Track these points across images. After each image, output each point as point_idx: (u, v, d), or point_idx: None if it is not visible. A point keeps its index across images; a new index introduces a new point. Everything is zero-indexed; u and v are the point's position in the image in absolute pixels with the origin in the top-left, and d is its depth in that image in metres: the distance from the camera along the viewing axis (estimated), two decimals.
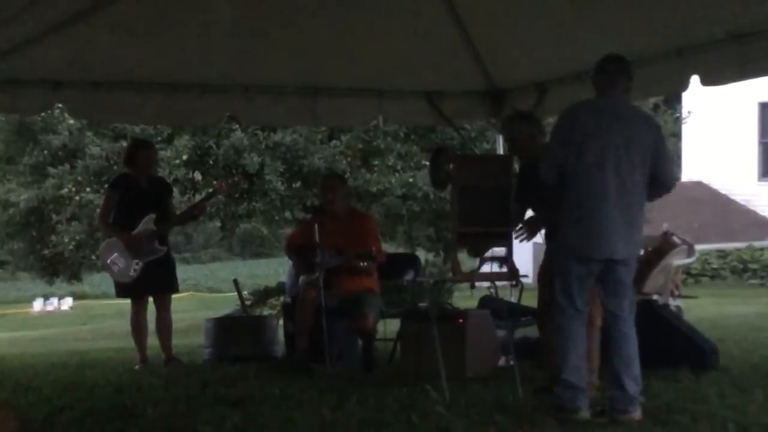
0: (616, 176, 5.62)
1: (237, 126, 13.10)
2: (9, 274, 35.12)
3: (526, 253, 6.98)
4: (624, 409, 5.55)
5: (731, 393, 6.22)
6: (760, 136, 25.79)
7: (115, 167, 13.36)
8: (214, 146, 13.88)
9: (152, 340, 9.13)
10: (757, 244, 23.39)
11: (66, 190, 14.45)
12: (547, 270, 6.62)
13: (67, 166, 14.41)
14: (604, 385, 5.83)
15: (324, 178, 9.52)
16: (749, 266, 22.75)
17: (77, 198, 14.38)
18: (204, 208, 9.70)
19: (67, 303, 29.68)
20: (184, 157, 13.81)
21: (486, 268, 6.76)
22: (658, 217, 13.95)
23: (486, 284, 7.47)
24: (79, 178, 14.31)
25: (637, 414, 5.52)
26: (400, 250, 14.65)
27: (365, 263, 8.01)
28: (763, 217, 24.94)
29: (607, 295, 5.76)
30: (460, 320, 7.40)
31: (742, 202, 25.60)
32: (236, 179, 11.75)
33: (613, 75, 5.84)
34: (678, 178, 6.21)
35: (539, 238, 6.98)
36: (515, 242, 6.60)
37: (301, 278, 8.34)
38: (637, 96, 10.34)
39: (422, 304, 8.12)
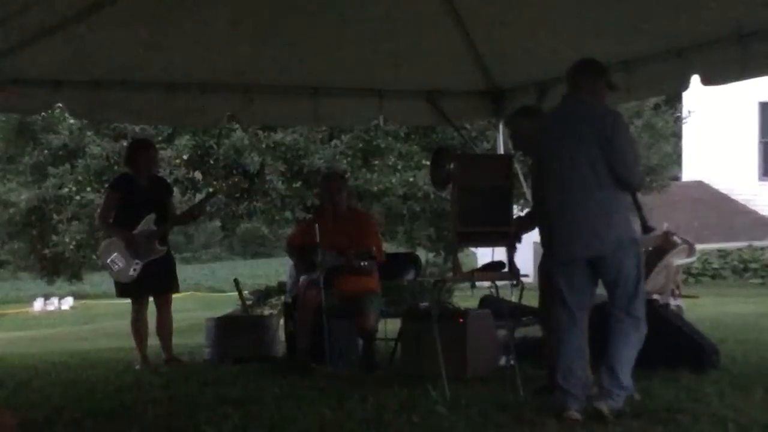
0: (560, 177, 5.70)
1: (237, 126, 13.09)
2: (9, 274, 35.10)
3: (526, 253, 6.97)
4: (596, 396, 5.54)
5: (732, 393, 6.22)
6: (760, 136, 25.80)
7: (116, 167, 13.35)
8: (214, 146, 13.88)
9: (153, 340, 9.13)
10: (758, 243, 23.39)
11: (66, 189, 14.44)
12: (544, 271, 6.64)
13: (67, 166, 14.40)
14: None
15: (325, 177, 9.52)
16: (750, 266, 22.74)
17: (78, 198, 14.37)
18: (204, 209, 9.69)
19: (68, 303, 29.64)
20: (185, 157, 13.80)
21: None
22: (659, 217, 13.92)
23: (487, 284, 7.47)
24: (80, 178, 14.31)
25: (599, 404, 5.48)
26: (401, 249, 14.64)
27: (365, 263, 8.01)
28: (764, 217, 24.94)
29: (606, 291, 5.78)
30: (461, 320, 7.41)
31: (743, 202, 25.61)
32: (236, 179, 11.74)
33: (573, 77, 5.94)
34: (635, 178, 6.09)
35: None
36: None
37: (302, 278, 8.34)
38: (637, 96, 10.44)
39: (423, 304, 8.13)
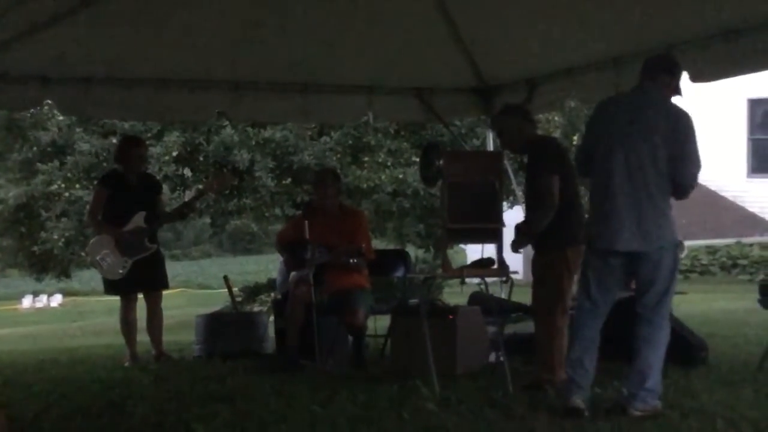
0: (624, 170, 5.61)
1: (227, 122, 13.09)
2: None
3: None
4: (625, 404, 5.58)
5: (720, 388, 6.25)
6: (749, 133, 25.84)
7: (105, 164, 13.34)
8: (203, 143, 13.88)
9: (142, 337, 9.12)
10: (746, 240, 23.44)
11: (55, 186, 14.42)
12: (537, 269, 6.65)
13: (56, 163, 14.39)
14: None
15: (318, 174, 9.50)
16: (738, 262, 22.79)
17: (67, 194, 14.36)
18: (194, 207, 9.68)
19: (57, 300, 29.61)
20: (174, 154, 13.81)
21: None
22: None
23: (476, 280, 7.47)
24: (69, 175, 14.29)
25: (631, 411, 5.51)
26: (390, 246, 14.67)
27: (355, 260, 8.01)
28: (752, 214, 25.00)
29: (636, 289, 5.78)
30: (451, 316, 7.41)
31: (732, 199, 25.66)
32: (226, 176, 11.72)
33: (652, 70, 5.84)
34: (696, 179, 6.08)
35: None
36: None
37: (292, 275, 8.34)
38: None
39: (413, 301, 8.12)
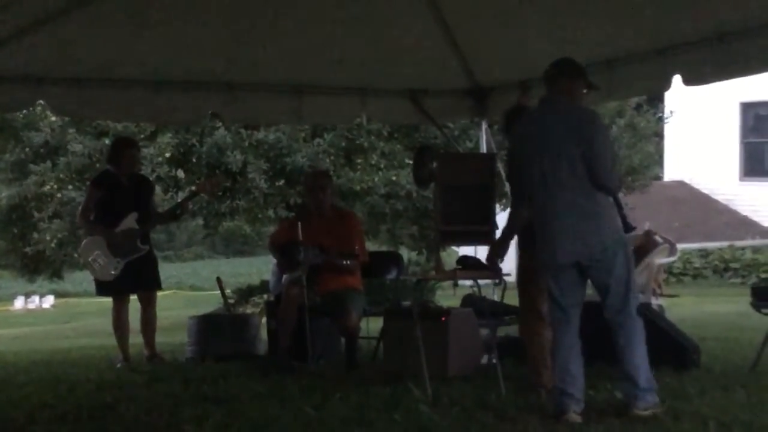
0: (543, 183, 5.67)
1: (220, 124, 13.07)
2: None
3: (509, 252, 6.97)
4: (626, 405, 5.61)
5: (713, 391, 6.26)
6: (741, 136, 25.91)
7: (98, 165, 13.30)
8: (197, 144, 13.85)
9: (134, 339, 9.11)
10: (739, 243, 23.49)
11: (48, 187, 14.37)
12: (523, 275, 6.66)
13: (49, 164, 14.34)
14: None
15: (310, 175, 9.50)
16: (731, 265, 22.84)
17: (59, 195, 14.31)
18: (187, 208, 9.68)
19: (49, 301, 29.51)
20: (167, 155, 13.77)
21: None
22: (641, 217, 13.98)
23: (469, 283, 7.48)
24: (61, 176, 14.24)
25: (634, 411, 5.53)
26: (384, 248, 14.66)
27: (348, 262, 8.01)
28: (745, 217, 25.06)
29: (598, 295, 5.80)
30: (443, 318, 7.41)
31: (724, 202, 25.73)
32: (219, 178, 11.71)
33: (551, 78, 5.91)
34: (610, 178, 6.08)
35: None
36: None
37: (285, 276, 8.33)
38: (619, 95, 10.49)
39: (405, 303, 8.13)
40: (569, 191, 5.62)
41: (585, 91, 5.98)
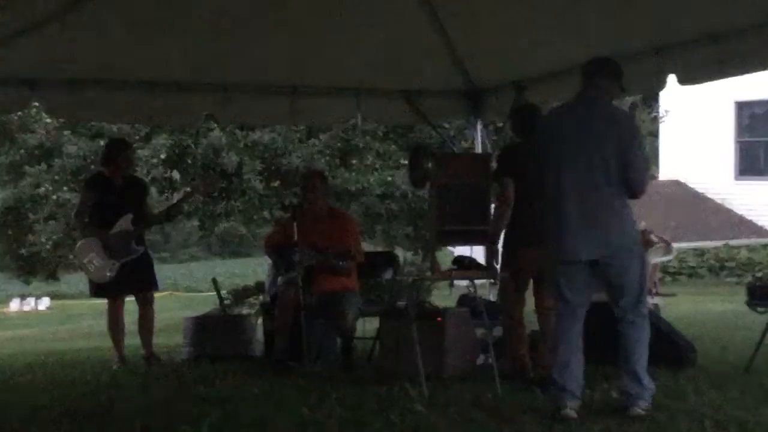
0: (574, 179, 5.66)
1: (215, 125, 13.07)
2: None
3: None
4: (624, 405, 5.62)
5: (708, 390, 6.26)
6: (736, 135, 25.92)
7: (93, 166, 13.29)
8: (192, 145, 13.85)
9: (130, 340, 9.10)
10: (734, 242, 23.51)
11: (43, 189, 14.37)
12: (507, 268, 6.76)
13: (44, 165, 14.33)
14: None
15: (305, 176, 9.50)
16: (726, 264, 22.85)
17: (54, 197, 14.30)
18: (181, 208, 9.66)
19: (44, 303, 29.48)
20: (162, 156, 13.77)
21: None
22: (636, 216, 14.00)
23: (465, 283, 7.49)
24: (56, 177, 14.24)
25: (634, 410, 5.54)
26: (379, 248, 14.65)
27: (343, 262, 8.01)
28: (740, 216, 25.08)
29: (607, 294, 5.81)
30: (439, 319, 7.41)
31: (719, 201, 25.74)
32: (213, 178, 11.70)
33: (592, 75, 5.87)
34: (644, 183, 6.14)
35: None
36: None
37: (280, 277, 8.33)
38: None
39: (401, 303, 8.12)
40: (600, 190, 5.63)
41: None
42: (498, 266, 6.82)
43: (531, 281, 7.10)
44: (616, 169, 5.61)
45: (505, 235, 7.05)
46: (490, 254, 6.71)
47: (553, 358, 5.81)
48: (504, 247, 7.04)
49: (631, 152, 5.65)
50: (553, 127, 5.98)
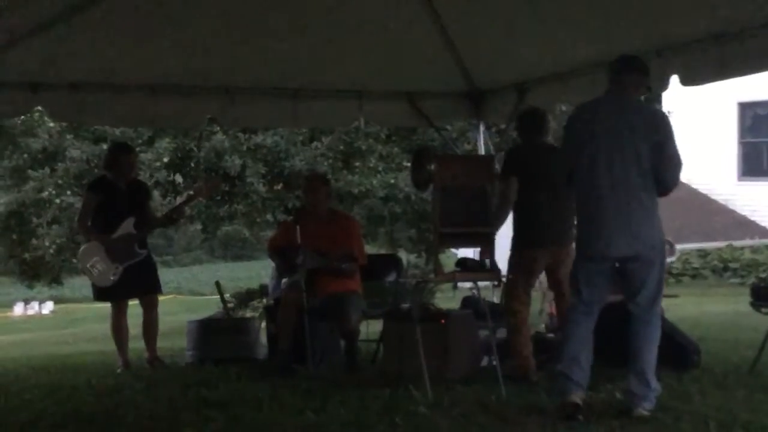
0: (608, 175, 5.64)
1: (218, 128, 13.08)
2: None
3: (507, 254, 7.01)
4: (628, 406, 5.62)
5: (713, 391, 6.26)
6: (739, 136, 25.88)
7: (95, 170, 13.31)
8: (194, 149, 13.86)
9: (134, 344, 9.10)
10: (737, 243, 23.46)
11: (46, 193, 14.39)
12: (515, 268, 6.84)
13: (47, 169, 14.35)
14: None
15: (307, 179, 9.50)
16: (729, 265, 22.80)
17: (58, 201, 14.32)
18: (183, 212, 9.66)
19: (48, 307, 29.53)
20: (165, 160, 13.80)
21: None
22: None
23: (468, 285, 7.48)
24: (60, 181, 14.26)
25: (639, 411, 5.54)
26: (382, 251, 14.67)
27: (346, 265, 8.01)
28: (743, 217, 25.03)
29: (624, 290, 5.81)
30: (443, 321, 7.41)
31: (722, 202, 25.70)
32: (215, 181, 11.71)
33: (619, 73, 5.86)
34: (677, 181, 6.16)
35: None
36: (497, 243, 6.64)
37: (284, 280, 8.32)
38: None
39: (405, 305, 8.12)
40: (633, 187, 5.63)
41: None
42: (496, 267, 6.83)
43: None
44: (649, 166, 5.62)
45: (514, 235, 7.06)
46: (493, 256, 6.69)
47: (561, 352, 5.82)
48: (513, 247, 7.05)
49: (666, 148, 5.66)
50: (585, 124, 5.92)
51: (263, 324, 9.40)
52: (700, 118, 25.12)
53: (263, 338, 9.18)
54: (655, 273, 5.71)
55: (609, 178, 5.64)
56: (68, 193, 14.27)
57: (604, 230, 5.66)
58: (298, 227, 7.93)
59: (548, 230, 6.90)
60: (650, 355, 5.67)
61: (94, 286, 8.88)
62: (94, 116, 9.31)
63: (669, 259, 9.90)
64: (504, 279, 6.99)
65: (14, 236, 15.46)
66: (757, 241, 23.49)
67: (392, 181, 14.22)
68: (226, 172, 13.57)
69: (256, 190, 13.76)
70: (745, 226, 24.52)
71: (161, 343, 9.30)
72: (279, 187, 14.08)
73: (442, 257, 7.30)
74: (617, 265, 5.74)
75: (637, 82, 5.85)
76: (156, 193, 12.81)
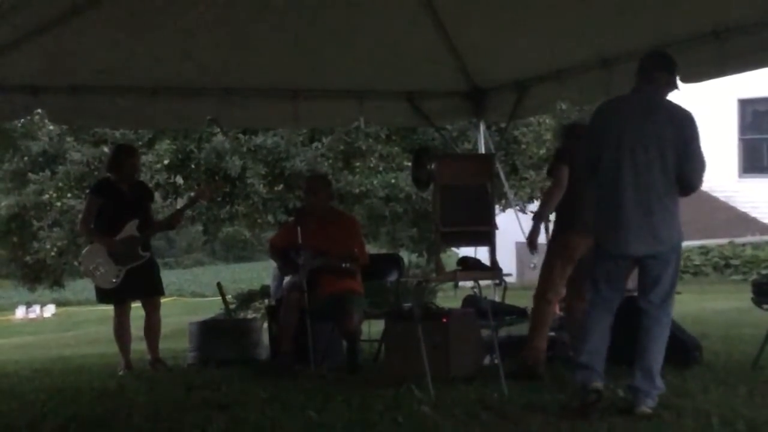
0: (632, 173, 5.65)
1: (218, 129, 13.07)
2: None
3: (508, 253, 7.01)
4: (630, 403, 5.63)
5: (715, 388, 6.26)
6: (740, 133, 25.88)
7: (96, 172, 13.30)
8: (195, 150, 13.85)
9: (136, 345, 9.10)
10: (739, 240, 23.47)
11: (47, 196, 14.37)
12: (551, 253, 7.04)
13: (47, 172, 14.34)
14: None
15: (308, 180, 9.51)
16: (731, 262, 22.81)
17: (59, 204, 14.30)
18: (182, 217, 9.65)
19: (50, 310, 29.53)
20: (166, 162, 13.77)
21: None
22: None
23: (470, 284, 7.49)
24: (60, 184, 14.24)
25: (642, 408, 5.55)
26: (384, 251, 14.65)
27: (348, 264, 8.01)
28: (744, 213, 25.04)
29: (639, 285, 5.83)
30: (445, 320, 7.40)
31: (723, 199, 25.69)
32: (217, 183, 11.70)
33: (648, 70, 5.84)
34: (700, 181, 6.15)
35: (521, 237, 7.06)
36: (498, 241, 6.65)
37: (285, 281, 8.33)
38: (616, 94, 10.44)
39: (406, 305, 8.12)
40: (656, 184, 5.64)
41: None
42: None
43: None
44: (673, 164, 5.62)
45: (557, 219, 7.17)
46: (494, 255, 6.69)
47: (580, 346, 5.83)
48: (555, 232, 7.19)
49: (691, 147, 5.66)
50: (608, 120, 5.91)
51: (265, 325, 9.40)
52: (700, 115, 24.92)
53: (265, 339, 9.19)
54: (670, 271, 5.74)
55: (633, 177, 5.65)
56: (69, 195, 14.25)
57: (625, 229, 5.68)
58: (299, 228, 7.94)
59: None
60: (658, 353, 5.69)
61: (96, 288, 8.89)
62: (94, 118, 9.32)
63: None
64: (505, 278, 6.97)
65: (15, 239, 15.42)
66: (758, 238, 23.50)
67: (393, 180, 14.20)
68: (227, 173, 13.55)
69: (257, 191, 13.74)
70: (746, 222, 24.52)
71: (163, 345, 9.31)
72: (280, 187, 14.06)
73: (443, 256, 7.30)
74: (636, 262, 5.78)
75: (666, 80, 5.84)
76: (157, 195, 12.76)
